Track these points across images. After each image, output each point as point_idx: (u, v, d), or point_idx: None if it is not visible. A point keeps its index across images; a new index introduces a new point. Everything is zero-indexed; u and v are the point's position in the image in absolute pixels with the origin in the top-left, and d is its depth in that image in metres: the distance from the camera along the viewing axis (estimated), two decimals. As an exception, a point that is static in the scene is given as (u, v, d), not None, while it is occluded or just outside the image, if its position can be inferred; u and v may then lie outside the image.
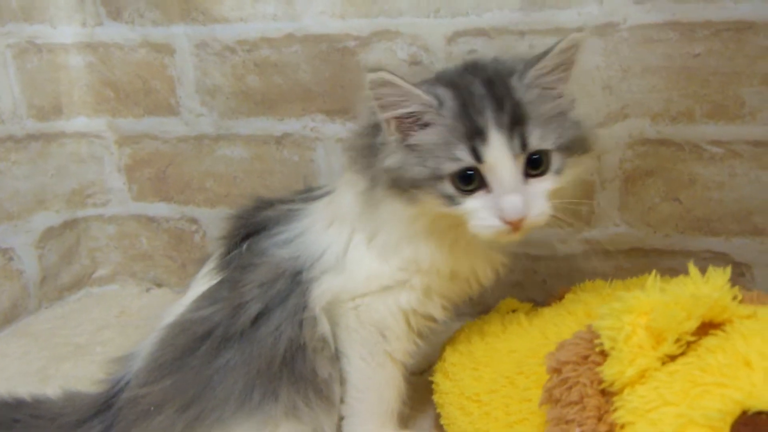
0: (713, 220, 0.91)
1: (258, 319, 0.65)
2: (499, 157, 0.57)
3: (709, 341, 0.47)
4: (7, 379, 0.82)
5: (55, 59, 1.04)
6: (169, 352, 0.66)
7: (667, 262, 0.94)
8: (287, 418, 0.64)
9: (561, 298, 0.83)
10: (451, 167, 0.58)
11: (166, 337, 0.67)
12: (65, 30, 1.03)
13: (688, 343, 0.47)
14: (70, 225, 1.11)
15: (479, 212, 0.58)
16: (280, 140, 1.03)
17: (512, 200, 0.57)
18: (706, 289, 0.48)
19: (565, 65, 0.62)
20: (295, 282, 0.66)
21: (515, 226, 0.57)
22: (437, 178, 0.59)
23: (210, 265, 0.73)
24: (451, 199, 0.59)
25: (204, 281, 0.71)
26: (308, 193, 0.74)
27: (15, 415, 0.69)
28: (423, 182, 0.60)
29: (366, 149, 0.65)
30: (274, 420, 0.63)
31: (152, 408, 0.64)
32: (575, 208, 0.66)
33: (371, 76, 0.59)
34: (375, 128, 0.64)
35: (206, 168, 1.08)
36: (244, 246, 0.70)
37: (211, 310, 0.67)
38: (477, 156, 0.58)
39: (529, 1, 0.86)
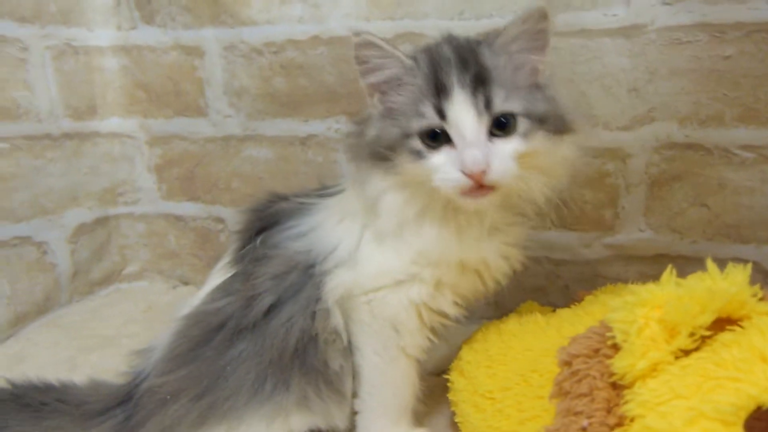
0: (743, 226, 0.89)
1: (270, 311, 0.65)
2: (462, 113, 0.59)
3: (725, 336, 0.46)
4: (37, 367, 0.84)
5: (91, 61, 1.07)
6: (184, 343, 0.67)
7: (694, 269, 0.89)
8: (298, 408, 0.64)
9: (580, 300, 0.83)
10: (419, 123, 0.61)
11: (182, 328, 0.69)
12: (101, 33, 1.07)
13: (703, 338, 0.46)
14: (101, 222, 1.14)
15: (443, 166, 0.60)
16: (304, 141, 1.04)
17: (472, 152, 0.58)
18: (724, 284, 0.47)
19: (535, 37, 0.63)
20: (307, 275, 0.66)
21: (476, 180, 0.58)
22: (407, 135, 0.62)
23: (226, 258, 0.74)
24: (419, 155, 0.61)
25: (220, 274, 0.72)
26: (323, 190, 0.75)
27: (43, 398, 0.72)
28: (396, 143, 0.62)
29: (357, 137, 0.68)
30: (285, 410, 0.64)
31: (168, 397, 0.65)
32: (566, 203, 0.69)
33: (356, 39, 0.62)
34: (366, 119, 0.67)
35: (233, 168, 1.10)
36: (258, 240, 0.71)
37: (225, 302, 0.68)
38: (441, 113, 0.60)
39: (554, 2, 0.86)
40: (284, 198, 0.74)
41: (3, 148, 0.96)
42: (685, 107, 0.86)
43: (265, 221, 0.72)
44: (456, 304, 0.69)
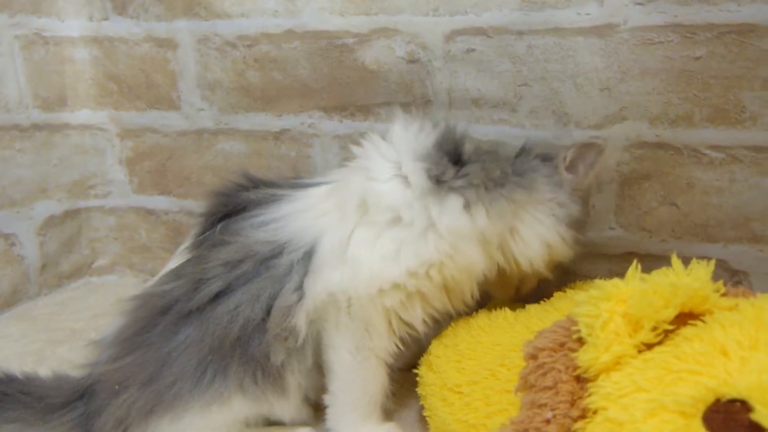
0: (711, 225, 0.90)
1: (218, 297, 0.64)
2: None
3: (687, 331, 0.46)
4: (3, 359, 0.83)
5: (62, 52, 1.06)
6: (131, 327, 0.67)
7: (662, 267, 0.92)
8: (237, 395, 0.64)
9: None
10: None
11: (129, 309, 0.68)
12: (72, 23, 1.06)
13: (666, 332, 0.47)
14: (71, 214, 1.13)
15: None
16: (278, 136, 1.04)
17: None
18: (687, 279, 0.48)
19: None
20: (264, 266, 0.65)
21: None
22: None
23: (186, 242, 0.73)
24: None
25: (178, 259, 0.71)
26: (296, 181, 0.74)
27: (6, 389, 0.71)
28: None
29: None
30: (226, 397, 0.63)
31: (117, 387, 0.64)
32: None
33: None
34: None
35: (205, 162, 1.09)
36: (219, 226, 0.70)
37: (173, 285, 0.67)
38: None
39: (528, 0, 0.86)
40: (254, 185, 0.73)
41: (-29, 138, 0.94)
42: (655, 107, 0.87)
43: (230, 207, 0.71)
44: (425, 322, 0.69)
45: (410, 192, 0.66)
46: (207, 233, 0.70)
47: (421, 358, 0.74)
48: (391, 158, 0.69)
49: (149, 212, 1.16)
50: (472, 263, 0.68)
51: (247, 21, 0.98)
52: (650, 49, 0.85)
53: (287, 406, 0.67)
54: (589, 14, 0.85)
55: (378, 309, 0.66)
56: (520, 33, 0.88)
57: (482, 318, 0.74)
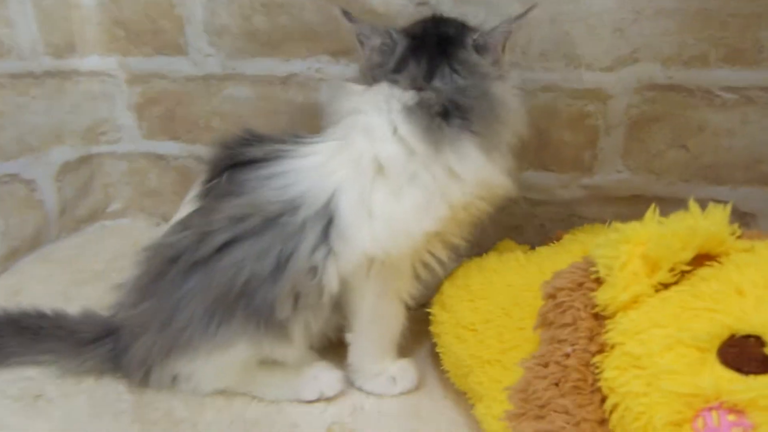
0: (720, 168, 0.90)
1: (223, 249, 0.65)
2: None
3: (703, 271, 0.48)
4: (33, 299, 0.85)
5: (69, -3, 1.05)
6: (145, 275, 0.69)
7: (670, 209, 0.92)
8: (242, 340, 0.66)
9: (557, 239, 0.85)
10: None
11: (143, 261, 0.71)
12: (77, -32, 1.04)
13: (683, 273, 0.49)
14: (85, 160, 1.14)
15: None
16: (285, 81, 1.03)
17: None
18: (704, 223, 0.49)
19: None
20: (273, 222, 0.65)
21: None
22: None
23: (193, 191, 0.74)
24: None
25: (187, 207, 0.72)
26: (299, 137, 0.73)
27: (40, 323, 0.76)
28: None
29: None
30: (233, 341, 0.65)
31: (138, 328, 0.68)
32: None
33: None
34: None
35: (213, 107, 1.09)
36: (225, 176, 0.70)
37: (182, 235, 0.68)
38: None
39: (541, -60, 0.84)
40: (260, 140, 0.73)
41: (-11, 86, 0.95)
42: (669, 48, 0.86)
43: (236, 158, 0.71)
44: (440, 261, 0.71)
45: (429, 149, 0.66)
46: (213, 182, 0.71)
47: (434, 298, 0.77)
48: (387, 116, 0.68)
49: (159, 157, 1.17)
50: (499, 192, 0.71)
51: (254, -37, 0.96)
52: (665, -13, 0.83)
53: (291, 352, 0.69)
54: (603, -47, 0.83)
55: (408, 257, 0.68)
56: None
57: (493, 260, 0.76)
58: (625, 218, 0.91)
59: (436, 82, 0.68)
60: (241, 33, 1.02)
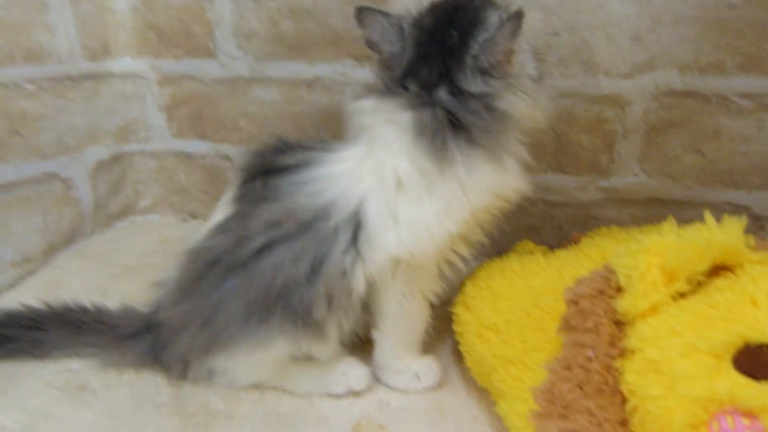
0: (736, 173, 0.93)
1: (260, 252, 0.68)
2: None
3: (719, 282, 0.51)
4: (72, 292, 0.89)
5: (103, 3, 1.08)
6: (186, 277, 0.73)
7: (686, 212, 0.94)
8: (279, 338, 0.69)
9: (576, 242, 0.88)
10: None
11: (184, 263, 0.74)
12: (112, -26, 1.08)
13: (699, 283, 0.51)
14: (117, 158, 1.18)
15: None
16: (311, 83, 1.06)
17: None
18: (720, 235, 0.52)
19: None
20: (306, 227, 0.68)
21: None
22: None
23: (228, 195, 0.76)
24: None
25: (222, 211, 0.75)
26: (327, 144, 0.75)
27: (82, 317, 0.80)
28: None
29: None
30: (270, 338, 0.69)
31: (179, 326, 0.71)
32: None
33: None
34: None
35: (240, 108, 1.12)
36: (259, 182, 0.72)
37: (220, 239, 0.71)
38: None
39: (562, -50, 0.86)
40: (291, 147, 0.75)
41: (32, 90, 0.98)
42: (686, 55, 0.88)
43: (269, 165, 0.74)
44: (464, 258, 0.74)
45: (434, 168, 0.67)
46: (248, 187, 0.74)
47: (457, 298, 0.80)
48: (398, 132, 0.69)
49: (187, 156, 1.21)
50: (514, 196, 0.72)
51: (283, -29, 0.99)
52: (684, -4, 0.85)
53: (326, 349, 0.73)
54: (623, -38, 0.85)
55: (433, 258, 0.71)
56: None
57: (515, 262, 0.79)
58: (641, 220, 0.96)
59: (440, 94, 0.68)
60: (269, 37, 1.05)
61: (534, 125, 0.73)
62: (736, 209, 0.94)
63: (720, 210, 0.91)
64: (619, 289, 0.54)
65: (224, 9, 1.05)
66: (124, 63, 1.13)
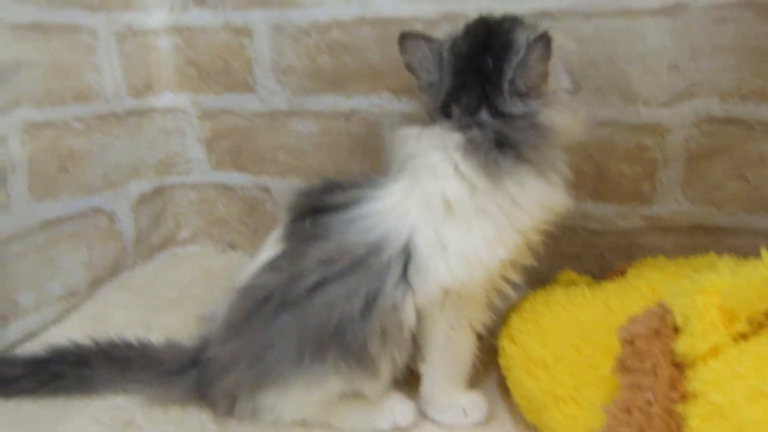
0: (782, 200, 0.91)
1: (313, 290, 0.69)
2: None
3: None
4: (116, 326, 0.92)
5: (147, 42, 1.12)
6: (237, 314, 0.73)
7: (731, 240, 0.94)
8: (333, 376, 0.69)
9: (620, 272, 0.87)
10: None
11: (235, 301, 0.75)
12: (156, 15, 1.11)
13: (760, 324, 0.50)
14: (158, 191, 1.21)
15: None
16: (348, 116, 1.08)
17: None
18: None
19: None
20: (359, 263, 0.69)
21: None
22: None
23: (276, 232, 0.78)
24: None
25: (270, 249, 0.76)
26: (371, 180, 0.76)
27: (129, 353, 0.81)
28: None
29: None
30: (323, 377, 0.69)
31: (228, 363, 0.72)
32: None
33: None
34: None
35: (278, 141, 1.14)
36: (308, 220, 0.74)
37: (272, 276, 0.72)
38: None
39: (595, -16, 0.87)
40: (338, 186, 0.76)
41: (80, 128, 1.02)
42: (726, 83, 0.88)
43: (318, 204, 0.75)
44: (515, 284, 0.74)
45: (486, 183, 0.68)
46: (297, 225, 0.75)
47: (502, 331, 0.79)
48: (446, 154, 0.70)
49: (227, 188, 1.23)
50: (562, 211, 0.73)
51: (320, 10, 1.01)
52: (722, 26, 0.85)
53: (377, 386, 0.73)
54: (659, -5, 0.85)
55: (483, 287, 0.71)
56: (588, 15, 0.89)
57: (560, 294, 0.78)
58: (685, 248, 0.95)
59: (483, 116, 0.71)
60: (307, 72, 1.07)
61: (574, 138, 0.75)
62: (783, 236, 0.92)
63: (766, 237, 0.92)
64: (675, 329, 0.53)
65: (263, 46, 1.08)
66: (165, 98, 1.17)
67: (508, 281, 0.73)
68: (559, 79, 0.73)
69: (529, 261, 0.74)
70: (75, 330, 0.96)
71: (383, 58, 1.01)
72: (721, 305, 0.50)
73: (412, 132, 0.74)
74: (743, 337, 0.50)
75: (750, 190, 0.92)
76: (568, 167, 0.73)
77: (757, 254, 0.53)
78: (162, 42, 1.13)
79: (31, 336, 0.95)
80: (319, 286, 0.69)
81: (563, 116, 0.72)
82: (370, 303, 0.68)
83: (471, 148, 0.69)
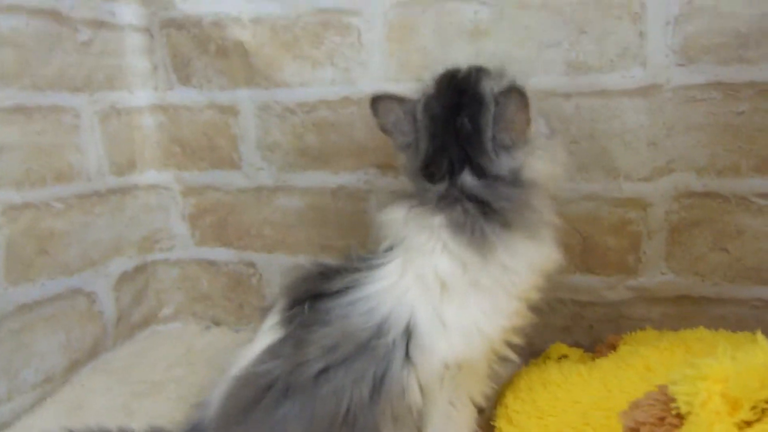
0: (763, 269, 0.93)
1: (318, 376, 0.67)
2: None
3: None
4: (96, 414, 0.88)
5: (131, 120, 1.12)
6: (236, 403, 0.70)
7: (717, 310, 0.95)
8: None
9: (611, 345, 0.87)
10: None
11: (233, 389, 0.72)
12: (140, 94, 1.12)
13: (763, 411, 0.50)
14: (140, 269, 1.18)
15: None
16: (335, 192, 1.08)
17: None
18: None
19: None
20: (364, 347, 0.67)
21: None
22: None
23: (273, 318, 0.76)
24: None
25: (268, 335, 0.74)
26: (366, 261, 0.75)
27: None
28: None
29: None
30: None
31: None
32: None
33: None
34: None
35: (264, 216, 1.14)
36: (307, 305, 0.72)
37: (274, 364, 0.70)
38: None
39: (574, 65, 0.91)
40: (334, 270, 0.76)
41: (60, 209, 1.00)
42: (702, 159, 0.91)
43: (315, 290, 0.74)
44: (516, 348, 0.73)
45: (476, 258, 0.69)
46: (295, 310, 0.73)
47: (498, 411, 0.77)
48: (432, 233, 0.71)
49: (210, 263, 1.21)
50: (555, 267, 0.73)
51: (306, 90, 1.03)
52: (694, 106, 0.89)
53: None
54: (633, 77, 0.89)
55: (485, 357, 0.70)
56: (568, 95, 0.92)
57: (555, 373, 0.78)
58: (672, 318, 0.95)
59: (466, 178, 0.71)
60: (293, 149, 1.08)
61: (557, 182, 0.76)
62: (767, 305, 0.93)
63: (751, 306, 0.93)
64: (679, 416, 0.53)
65: (249, 124, 1.09)
66: (149, 176, 1.16)
67: (511, 345, 0.72)
68: (536, 123, 0.73)
69: (529, 321, 0.74)
70: (50, 419, 0.91)
71: (369, 135, 1.03)
72: (724, 393, 0.50)
73: (397, 215, 0.74)
74: (748, 424, 0.50)
75: (731, 260, 0.94)
76: (555, 215, 0.74)
77: (742, 323, 0.53)
78: (146, 120, 1.14)
79: (4, 427, 0.90)
80: (324, 372, 0.67)
81: (545, 163, 0.73)
82: (377, 386, 0.66)
83: (456, 226, 0.69)
